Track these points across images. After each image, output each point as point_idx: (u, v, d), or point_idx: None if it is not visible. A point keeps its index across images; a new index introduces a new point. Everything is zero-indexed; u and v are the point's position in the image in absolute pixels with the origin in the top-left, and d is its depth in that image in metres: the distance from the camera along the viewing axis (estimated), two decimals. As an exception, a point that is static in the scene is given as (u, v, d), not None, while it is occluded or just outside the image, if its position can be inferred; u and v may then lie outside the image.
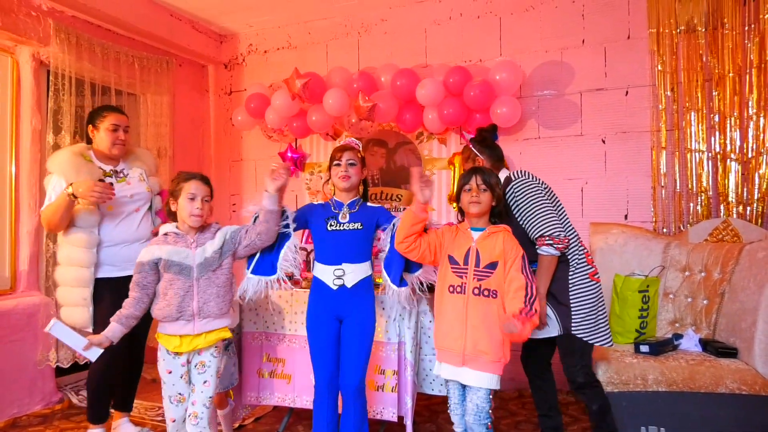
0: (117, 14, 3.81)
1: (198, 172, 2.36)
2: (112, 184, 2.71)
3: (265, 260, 2.46)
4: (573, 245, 2.42)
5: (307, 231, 2.91)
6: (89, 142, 2.84)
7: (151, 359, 4.34)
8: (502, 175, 2.53)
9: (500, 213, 2.26)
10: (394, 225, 2.40)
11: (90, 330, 2.68)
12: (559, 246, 2.31)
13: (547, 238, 2.31)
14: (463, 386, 2.20)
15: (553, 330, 2.42)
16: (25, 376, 3.37)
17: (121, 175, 2.82)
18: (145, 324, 2.85)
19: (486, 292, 2.12)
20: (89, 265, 2.69)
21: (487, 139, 2.64)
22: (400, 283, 2.41)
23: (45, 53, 3.57)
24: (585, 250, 2.47)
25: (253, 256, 2.45)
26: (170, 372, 2.27)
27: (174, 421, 2.29)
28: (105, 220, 2.73)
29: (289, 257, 2.44)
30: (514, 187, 2.42)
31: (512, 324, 1.98)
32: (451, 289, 2.18)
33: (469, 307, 2.13)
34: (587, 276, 2.42)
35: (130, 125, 4.21)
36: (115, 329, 2.23)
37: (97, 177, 2.69)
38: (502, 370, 2.14)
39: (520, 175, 2.45)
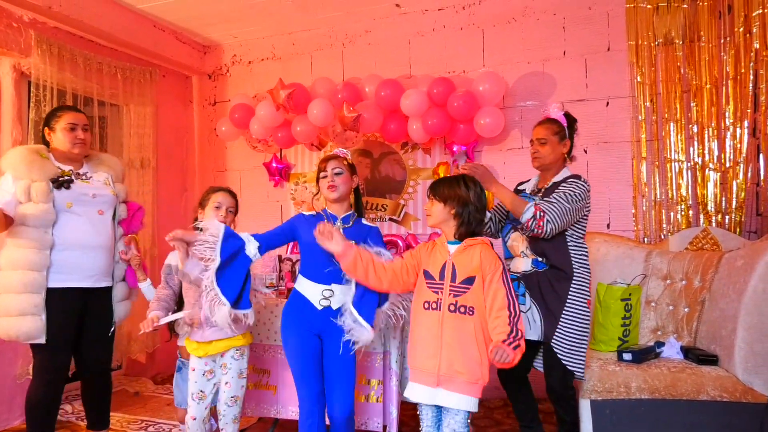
0: (100, 25, 3.79)
1: (226, 187, 2.54)
2: (72, 180, 2.57)
3: (231, 286, 2.23)
4: (582, 267, 2.45)
5: (293, 242, 2.71)
6: (47, 145, 2.68)
7: (134, 372, 4.30)
8: (567, 172, 2.56)
9: (470, 222, 2.09)
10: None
11: (42, 341, 2.47)
12: (533, 224, 2.33)
13: (541, 215, 2.32)
14: (438, 409, 2.07)
15: (533, 334, 2.44)
16: (5, 390, 3.30)
17: (83, 177, 2.65)
18: (102, 355, 2.75)
19: (462, 309, 2.00)
20: (41, 269, 2.47)
21: (575, 129, 2.63)
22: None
23: (26, 64, 3.53)
24: (590, 277, 2.48)
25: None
26: (194, 369, 2.40)
27: (194, 419, 2.38)
28: (62, 219, 2.54)
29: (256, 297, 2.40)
30: (576, 180, 2.46)
31: (504, 352, 1.88)
32: (426, 305, 2.06)
33: (444, 324, 2.00)
34: (586, 303, 2.44)
35: (113, 135, 4.23)
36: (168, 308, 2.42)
37: (51, 174, 2.53)
38: (481, 392, 2.02)
39: (584, 182, 2.48)
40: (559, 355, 2.38)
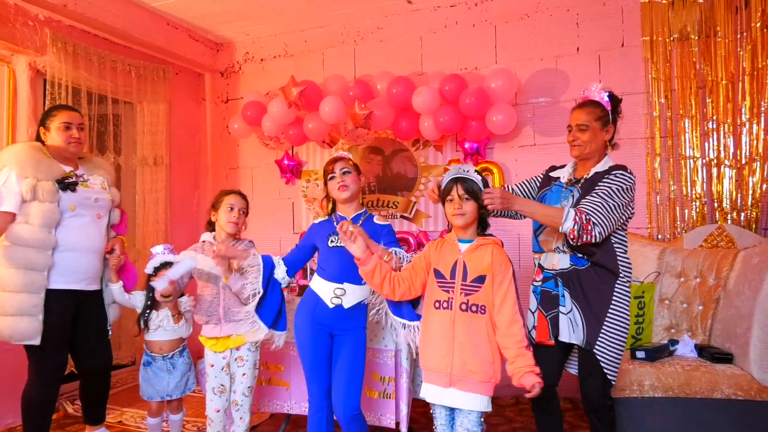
0: (114, 24, 3.83)
1: (237, 189, 2.64)
2: (76, 183, 2.57)
3: (271, 312, 2.43)
4: (626, 264, 2.21)
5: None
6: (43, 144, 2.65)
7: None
8: (609, 161, 2.27)
9: (486, 221, 2.08)
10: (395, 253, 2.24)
11: (37, 342, 2.45)
12: (578, 232, 2.07)
13: (587, 219, 2.06)
14: (451, 409, 2.02)
15: (574, 338, 2.20)
16: (21, 386, 3.33)
17: (82, 179, 2.64)
18: (99, 357, 2.77)
19: (474, 308, 1.97)
20: (42, 269, 2.46)
21: (619, 112, 2.33)
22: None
23: (42, 62, 3.58)
24: (631, 272, 2.24)
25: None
26: (212, 365, 2.53)
27: (218, 411, 2.54)
28: (65, 221, 2.53)
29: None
30: (622, 173, 2.17)
31: (537, 380, 1.88)
32: (437, 304, 2.02)
33: (456, 323, 1.96)
34: (629, 304, 2.20)
35: (127, 132, 4.27)
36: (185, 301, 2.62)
37: (57, 175, 2.52)
38: (493, 390, 1.98)
39: (630, 173, 2.20)
40: (601, 363, 2.13)
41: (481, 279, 1.98)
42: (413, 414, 2.97)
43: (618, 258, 2.19)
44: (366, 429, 2.36)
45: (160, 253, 2.77)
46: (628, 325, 2.19)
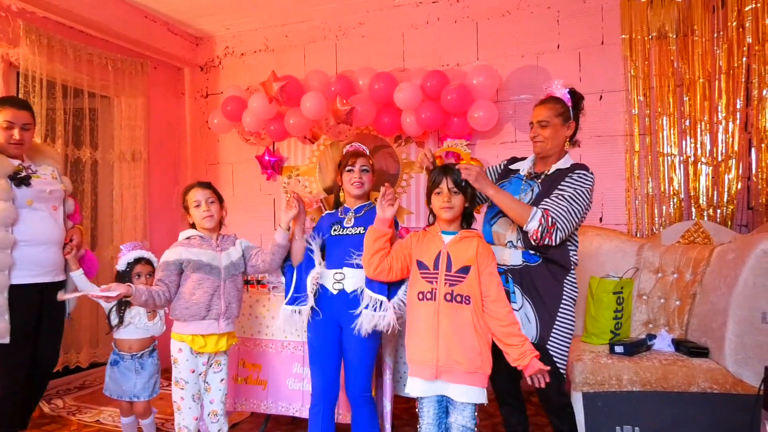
0: (90, 15, 3.75)
1: (197, 182, 2.45)
2: (29, 177, 2.50)
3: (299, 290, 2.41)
4: (575, 260, 2.24)
5: None
6: None
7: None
8: (570, 159, 2.30)
9: (471, 214, 2.13)
10: None
11: (6, 341, 2.41)
12: (541, 234, 2.10)
13: (552, 222, 2.09)
14: (440, 405, 2.01)
15: (527, 335, 2.16)
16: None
17: (30, 171, 2.56)
18: (53, 352, 2.73)
19: (458, 298, 1.97)
20: (3, 269, 2.40)
21: (582, 108, 2.33)
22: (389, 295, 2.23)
23: (15, 54, 3.49)
24: (577, 265, 2.28)
25: (289, 287, 2.44)
26: (193, 371, 2.34)
27: (196, 419, 2.37)
28: (24, 216, 2.47)
29: (310, 284, 2.38)
30: (584, 174, 2.20)
31: (543, 370, 1.93)
32: (421, 296, 2.02)
33: (440, 314, 1.97)
34: (576, 292, 2.26)
35: (103, 127, 4.19)
36: (142, 290, 2.20)
37: (9, 171, 2.44)
38: (486, 382, 1.97)
39: (591, 173, 2.23)
40: (555, 358, 2.17)
41: (465, 270, 2.00)
42: (394, 410, 2.96)
43: (570, 253, 2.23)
44: (375, 414, 2.36)
45: (129, 249, 2.72)
46: (575, 319, 2.24)
